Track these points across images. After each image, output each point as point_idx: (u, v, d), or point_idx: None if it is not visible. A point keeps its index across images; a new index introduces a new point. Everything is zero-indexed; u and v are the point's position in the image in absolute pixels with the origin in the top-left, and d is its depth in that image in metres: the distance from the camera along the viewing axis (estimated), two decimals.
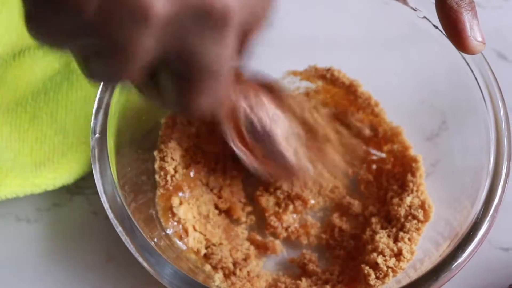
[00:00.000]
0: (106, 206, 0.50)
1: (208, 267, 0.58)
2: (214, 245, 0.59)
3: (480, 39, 0.49)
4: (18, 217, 0.62)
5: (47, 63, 0.63)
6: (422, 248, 0.56)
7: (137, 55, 0.34)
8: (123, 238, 0.49)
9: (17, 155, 0.61)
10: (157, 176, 0.59)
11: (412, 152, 0.62)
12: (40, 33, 0.35)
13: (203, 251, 0.59)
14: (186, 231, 0.59)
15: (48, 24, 0.34)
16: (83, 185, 0.63)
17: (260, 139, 0.56)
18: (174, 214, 0.57)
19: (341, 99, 0.64)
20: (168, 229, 0.58)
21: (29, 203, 0.62)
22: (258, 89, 0.55)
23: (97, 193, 0.51)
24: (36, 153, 0.61)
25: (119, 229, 0.49)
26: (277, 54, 0.64)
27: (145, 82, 0.40)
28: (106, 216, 0.50)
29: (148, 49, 0.34)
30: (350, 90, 0.63)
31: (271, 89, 0.57)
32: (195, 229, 0.59)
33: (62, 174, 0.61)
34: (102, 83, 0.40)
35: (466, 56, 0.54)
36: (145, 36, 0.33)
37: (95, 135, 0.51)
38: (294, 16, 0.63)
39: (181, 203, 0.58)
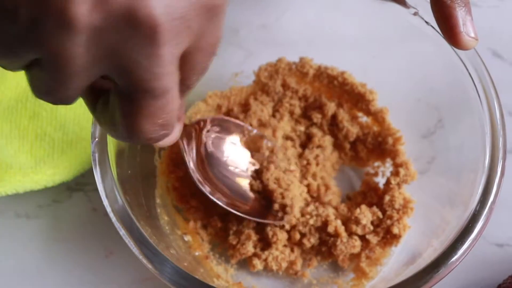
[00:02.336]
0: (108, 209, 0.50)
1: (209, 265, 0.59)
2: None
3: (472, 35, 0.49)
4: (17, 213, 0.63)
5: None
6: (418, 244, 0.56)
7: (70, 67, 0.34)
8: (125, 240, 0.49)
9: (17, 151, 0.61)
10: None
11: (405, 154, 0.63)
12: None
13: (206, 250, 0.59)
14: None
15: None
16: (82, 181, 0.64)
17: (221, 173, 0.56)
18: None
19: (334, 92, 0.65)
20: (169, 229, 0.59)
21: (29, 199, 0.63)
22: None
23: (96, 189, 0.51)
24: (36, 149, 0.61)
25: (122, 232, 0.49)
26: (274, 53, 0.65)
27: (98, 107, 0.40)
28: (106, 213, 0.50)
29: (81, 62, 0.34)
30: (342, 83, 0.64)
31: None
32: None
33: (62, 171, 0.61)
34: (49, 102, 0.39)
35: (461, 54, 0.55)
36: (73, 45, 0.33)
37: (95, 139, 0.52)
38: (290, 15, 0.63)
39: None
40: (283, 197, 0.58)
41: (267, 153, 0.60)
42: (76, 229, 0.62)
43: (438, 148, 0.61)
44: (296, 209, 0.59)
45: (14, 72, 0.61)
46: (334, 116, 0.64)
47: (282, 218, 0.59)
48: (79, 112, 0.63)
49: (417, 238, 0.58)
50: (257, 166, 0.60)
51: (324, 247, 0.59)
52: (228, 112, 0.64)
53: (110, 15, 0.32)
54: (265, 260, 0.59)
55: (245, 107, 0.64)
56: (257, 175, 0.59)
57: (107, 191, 0.50)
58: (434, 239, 0.54)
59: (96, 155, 0.51)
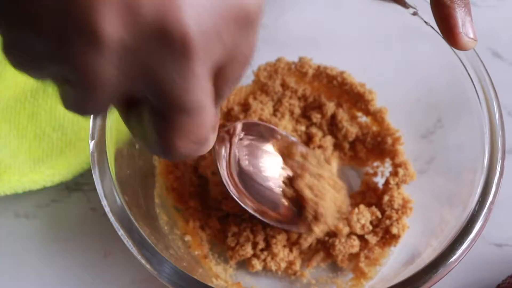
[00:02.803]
0: (107, 209, 0.50)
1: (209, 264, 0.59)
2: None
3: (471, 35, 0.49)
4: (17, 213, 0.63)
5: None
6: (417, 244, 0.56)
7: (99, 85, 0.33)
8: (124, 240, 0.49)
9: (15, 151, 0.61)
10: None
11: (405, 154, 0.63)
12: (15, 62, 0.34)
13: (205, 250, 0.59)
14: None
15: (19, 53, 0.33)
16: (81, 181, 0.64)
17: (249, 186, 0.56)
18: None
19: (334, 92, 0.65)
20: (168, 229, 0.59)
21: (28, 199, 0.63)
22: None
23: (95, 189, 0.51)
24: (34, 149, 0.61)
25: (120, 232, 0.49)
26: (273, 53, 0.65)
27: (130, 119, 0.38)
28: (105, 213, 0.50)
29: (110, 77, 0.33)
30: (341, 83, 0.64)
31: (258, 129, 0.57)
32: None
33: (61, 171, 0.61)
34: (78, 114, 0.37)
35: (460, 54, 0.55)
36: (102, 63, 0.32)
37: (93, 139, 0.52)
38: (290, 15, 0.63)
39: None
40: (316, 205, 0.57)
41: (300, 159, 0.59)
42: (75, 229, 0.62)
43: (437, 148, 0.61)
44: (329, 219, 0.57)
45: (13, 72, 0.62)
46: (333, 116, 0.64)
47: (311, 227, 0.58)
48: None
49: (416, 238, 0.58)
50: (289, 173, 0.58)
51: (323, 247, 0.59)
52: (228, 112, 0.63)
53: (140, 31, 0.31)
54: (264, 260, 0.59)
55: (245, 107, 0.64)
56: (290, 182, 0.58)
57: (106, 191, 0.50)
58: (433, 239, 0.54)
59: (95, 155, 0.51)
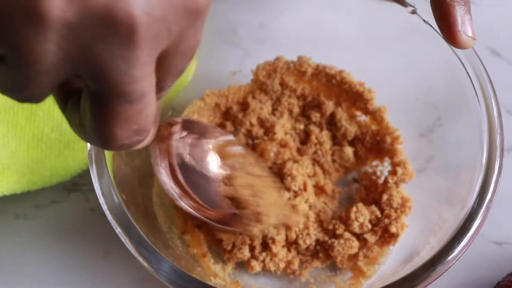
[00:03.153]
0: (104, 207, 0.50)
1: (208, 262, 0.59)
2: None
3: (470, 34, 0.49)
4: (16, 214, 0.63)
5: None
6: (416, 243, 0.56)
7: (39, 65, 0.32)
8: (122, 239, 0.49)
9: (14, 152, 0.61)
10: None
11: (404, 153, 0.63)
12: None
13: (204, 248, 0.59)
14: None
15: None
16: (80, 182, 0.64)
17: (191, 179, 0.55)
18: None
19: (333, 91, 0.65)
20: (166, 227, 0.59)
21: (27, 200, 0.63)
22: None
23: (94, 190, 0.51)
24: (33, 150, 0.61)
25: (118, 230, 0.49)
26: (272, 52, 0.65)
27: (69, 107, 0.38)
28: (103, 213, 0.50)
29: (51, 60, 0.32)
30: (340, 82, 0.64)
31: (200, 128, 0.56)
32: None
33: (59, 171, 0.61)
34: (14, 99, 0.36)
35: (459, 52, 0.55)
36: (44, 41, 0.31)
37: None
38: (289, 14, 0.63)
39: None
40: (255, 205, 0.56)
41: (239, 159, 0.57)
42: (74, 229, 0.62)
43: (436, 147, 0.61)
44: (270, 218, 0.56)
45: None
46: (332, 115, 0.64)
47: (249, 228, 0.57)
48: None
49: (415, 237, 0.58)
50: (228, 171, 0.57)
51: (322, 248, 0.59)
52: (227, 111, 0.63)
53: (86, 11, 0.30)
54: (263, 261, 0.59)
55: (243, 106, 0.64)
56: (228, 181, 0.58)
57: (104, 190, 0.50)
58: (431, 237, 0.54)
59: (92, 153, 0.51)
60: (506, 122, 0.54)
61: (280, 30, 0.65)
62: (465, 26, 0.49)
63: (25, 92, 0.34)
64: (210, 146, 0.55)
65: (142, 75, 0.33)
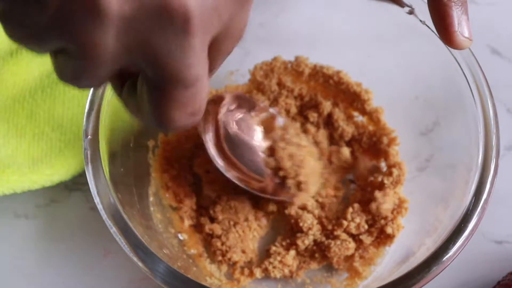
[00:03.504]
0: (99, 206, 0.50)
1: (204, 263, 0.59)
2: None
3: (467, 35, 0.49)
4: (16, 213, 0.63)
5: (44, 59, 0.63)
6: (412, 243, 0.56)
7: (98, 57, 0.34)
8: (117, 238, 0.49)
9: (14, 151, 0.61)
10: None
11: (401, 153, 0.63)
12: (14, 35, 0.34)
13: (201, 248, 0.59)
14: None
15: (19, 25, 0.34)
16: (81, 181, 0.64)
17: (238, 150, 0.56)
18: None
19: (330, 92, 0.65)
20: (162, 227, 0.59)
21: (28, 199, 0.63)
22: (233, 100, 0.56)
23: None
24: (33, 149, 0.61)
25: (113, 230, 0.49)
26: (271, 52, 0.65)
27: (125, 92, 0.40)
28: None
29: (110, 52, 0.34)
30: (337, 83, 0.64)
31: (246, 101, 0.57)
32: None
33: (60, 170, 0.61)
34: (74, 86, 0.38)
35: (456, 53, 0.55)
36: (103, 36, 0.33)
37: (87, 137, 0.52)
38: (288, 14, 0.63)
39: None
40: (297, 174, 0.58)
41: (280, 131, 0.59)
42: (74, 228, 0.62)
43: (436, 146, 0.61)
44: (311, 187, 0.59)
45: (11, 72, 0.62)
46: (329, 115, 0.64)
47: (294, 196, 0.59)
48: (76, 112, 0.63)
49: (411, 237, 0.57)
50: (271, 143, 0.59)
51: (318, 249, 0.59)
52: None
53: (142, 5, 0.32)
54: (266, 269, 0.59)
55: None
56: (271, 152, 0.59)
57: (99, 190, 0.51)
58: (427, 238, 0.54)
59: (88, 152, 0.52)
60: (506, 121, 0.54)
61: (280, 30, 0.65)
62: (461, 26, 0.49)
63: (84, 81, 0.36)
64: (257, 119, 0.56)
65: (197, 61, 0.35)
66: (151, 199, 0.59)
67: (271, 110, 0.60)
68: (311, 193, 0.59)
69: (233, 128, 0.56)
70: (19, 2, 0.33)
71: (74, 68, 0.35)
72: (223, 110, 0.56)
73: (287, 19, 0.64)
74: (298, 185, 0.58)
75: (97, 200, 0.50)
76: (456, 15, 0.49)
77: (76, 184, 0.64)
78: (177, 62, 0.34)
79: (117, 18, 0.32)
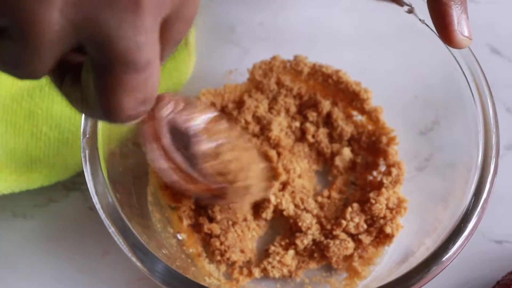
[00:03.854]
0: (98, 206, 0.50)
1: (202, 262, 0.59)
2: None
3: (466, 34, 0.49)
4: (14, 213, 0.63)
5: None
6: (411, 243, 0.56)
7: (43, 35, 0.31)
8: (115, 238, 0.49)
9: (12, 151, 0.61)
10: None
11: (400, 153, 0.63)
12: None
13: (200, 248, 0.59)
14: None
15: None
16: (79, 180, 0.64)
17: (183, 154, 0.55)
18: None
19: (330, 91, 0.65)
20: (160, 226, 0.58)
21: (26, 199, 0.62)
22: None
23: None
24: (31, 149, 0.61)
25: (111, 229, 0.49)
26: (270, 51, 0.65)
27: (66, 84, 0.38)
28: None
29: (56, 30, 0.31)
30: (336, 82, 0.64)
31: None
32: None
33: (58, 170, 0.61)
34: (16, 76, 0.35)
35: (455, 52, 0.54)
36: (49, 9, 0.31)
37: (85, 136, 0.52)
38: (287, 13, 0.63)
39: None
40: (244, 178, 0.56)
41: (224, 134, 0.57)
42: (73, 228, 0.62)
43: (436, 145, 0.61)
44: (259, 190, 0.57)
45: None
46: (329, 115, 0.63)
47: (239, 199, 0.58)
48: (75, 111, 0.62)
49: (410, 237, 0.57)
50: (215, 147, 0.56)
51: (317, 249, 0.59)
52: (223, 109, 0.63)
53: None
54: (265, 269, 0.59)
55: (239, 105, 0.63)
56: (217, 156, 0.58)
57: (97, 189, 0.50)
58: (426, 238, 0.54)
59: (87, 152, 0.51)
60: (506, 120, 0.54)
61: (279, 29, 0.65)
62: (461, 25, 0.49)
63: (27, 66, 0.33)
64: (201, 120, 0.56)
65: (148, 42, 0.33)
66: (149, 198, 0.59)
67: (215, 112, 0.59)
68: (257, 197, 0.58)
69: (174, 131, 0.55)
70: None
71: (15, 53, 0.33)
72: (165, 111, 0.55)
73: (286, 18, 0.64)
74: (246, 189, 0.56)
75: (95, 200, 0.50)
76: (456, 14, 0.49)
77: (74, 184, 0.64)
78: (127, 42, 0.32)
79: None
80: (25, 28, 0.31)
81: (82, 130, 0.52)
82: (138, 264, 0.49)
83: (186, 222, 0.60)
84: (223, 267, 0.59)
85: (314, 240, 0.59)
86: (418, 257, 0.51)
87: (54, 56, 0.33)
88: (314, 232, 0.59)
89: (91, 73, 0.35)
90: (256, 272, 0.59)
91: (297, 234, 0.59)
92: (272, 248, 0.59)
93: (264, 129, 0.62)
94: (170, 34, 0.35)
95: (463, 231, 0.50)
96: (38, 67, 0.34)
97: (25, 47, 0.32)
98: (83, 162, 0.51)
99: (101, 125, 0.52)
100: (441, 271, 0.49)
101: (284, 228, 0.61)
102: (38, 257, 0.61)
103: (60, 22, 0.31)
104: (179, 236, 0.59)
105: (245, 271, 0.59)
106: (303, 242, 0.59)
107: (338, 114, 0.63)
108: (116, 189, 0.51)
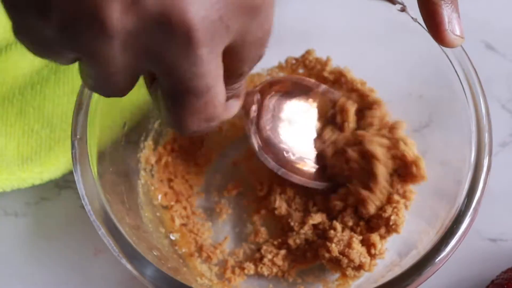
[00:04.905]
0: (87, 208, 0.50)
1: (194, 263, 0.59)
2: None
3: (458, 33, 0.49)
4: (6, 211, 0.63)
5: (34, 56, 0.63)
6: (406, 242, 0.56)
7: (109, 67, 0.35)
8: (105, 240, 0.49)
9: (3, 149, 0.60)
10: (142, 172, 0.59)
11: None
12: (26, 44, 0.35)
13: (192, 248, 0.59)
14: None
15: (30, 37, 0.34)
16: (71, 179, 0.63)
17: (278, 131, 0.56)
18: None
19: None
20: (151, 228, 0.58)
21: (17, 197, 0.63)
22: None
23: None
24: (23, 147, 0.61)
25: (101, 231, 0.49)
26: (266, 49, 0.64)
27: (153, 89, 0.40)
28: None
29: (120, 62, 0.35)
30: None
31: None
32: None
33: (49, 168, 0.61)
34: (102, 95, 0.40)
35: (448, 50, 0.54)
36: (109, 47, 0.33)
37: (75, 136, 0.51)
38: (279, 10, 0.62)
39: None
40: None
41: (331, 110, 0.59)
42: (65, 226, 0.62)
43: (430, 142, 0.61)
44: None
45: (1, 69, 0.62)
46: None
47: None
48: (66, 109, 0.62)
49: (405, 234, 0.57)
50: (320, 126, 0.59)
51: (310, 248, 0.59)
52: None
53: (143, 19, 0.32)
54: (257, 268, 0.59)
55: None
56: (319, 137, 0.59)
57: (87, 190, 0.50)
58: (419, 238, 0.53)
59: (77, 153, 0.51)
60: (500, 116, 0.54)
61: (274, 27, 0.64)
62: (452, 24, 0.48)
63: (107, 89, 0.38)
64: (304, 102, 0.58)
65: (205, 71, 0.35)
66: (141, 199, 0.59)
67: (322, 87, 0.60)
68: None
69: (278, 115, 0.57)
70: (25, 17, 0.33)
71: (94, 77, 0.36)
72: (268, 97, 0.56)
73: (279, 15, 0.63)
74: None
75: (85, 201, 0.50)
76: (446, 13, 0.48)
77: (66, 182, 0.64)
78: (185, 73, 0.35)
79: (118, 31, 0.33)
80: (92, 60, 0.35)
81: (72, 130, 0.51)
82: (128, 266, 0.48)
83: (178, 221, 0.59)
84: (215, 268, 0.59)
85: (307, 240, 0.59)
86: (411, 258, 0.50)
87: (127, 79, 0.37)
88: (306, 231, 0.59)
89: (159, 91, 0.38)
90: (249, 272, 0.58)
91: (290, 234, 0.59)
92: (265, 247, 0.59)
93: None
94: (241, 57, 0.37)
95: (456, 232, 0.49)
96: (115, 88, 0.37)
97: (97, 74, 0.36)
98: (73, 163, 0.51)
99: (91, 125, 0.52)
100: (434, 273, 0.49)
101: (276, 227, 0.61)
102: (29, 255, 0.61)
103: (123, 56, 0.34)
104: (172, 236, 0.59)
105: (237, 271, 0.59)
106: (296, 241, 0.59)
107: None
108: (106, 190, 0.51)
